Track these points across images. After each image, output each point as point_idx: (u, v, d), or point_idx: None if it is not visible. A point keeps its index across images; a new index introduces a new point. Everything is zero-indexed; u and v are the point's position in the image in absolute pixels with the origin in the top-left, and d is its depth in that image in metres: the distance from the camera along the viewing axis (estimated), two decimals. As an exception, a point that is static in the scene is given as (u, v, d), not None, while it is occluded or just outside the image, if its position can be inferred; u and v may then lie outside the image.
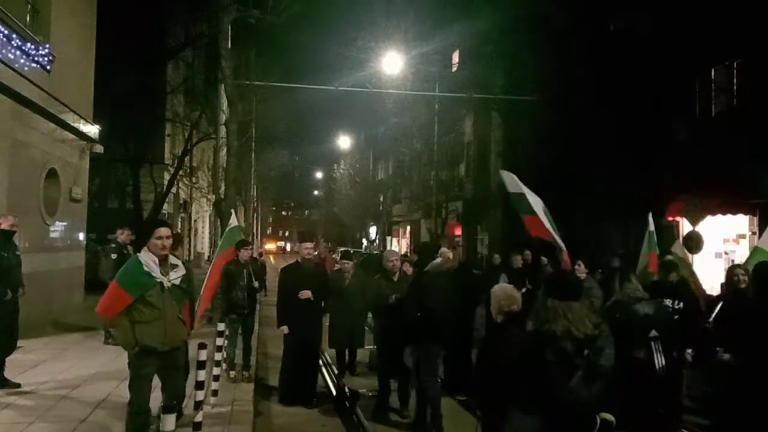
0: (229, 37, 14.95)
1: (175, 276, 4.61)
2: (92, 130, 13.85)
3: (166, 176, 21.89)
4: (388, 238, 38.55)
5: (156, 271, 4.46)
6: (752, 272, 5.51)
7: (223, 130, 17.39)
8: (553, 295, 3.33)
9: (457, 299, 7.76)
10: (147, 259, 4.48)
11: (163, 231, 4.56)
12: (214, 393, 6.47)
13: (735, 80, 12.29)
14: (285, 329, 7.08)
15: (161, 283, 4.47)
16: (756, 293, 5.28)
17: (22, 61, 10.11)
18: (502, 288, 3.84)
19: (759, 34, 11.03)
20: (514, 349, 3.35)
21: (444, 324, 6.25)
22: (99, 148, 14.27)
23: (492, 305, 3.81)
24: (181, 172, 23.15)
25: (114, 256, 9.58)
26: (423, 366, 6.24)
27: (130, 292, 4.40)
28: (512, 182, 8.08)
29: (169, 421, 3.54)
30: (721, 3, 11.89)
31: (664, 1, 13.64)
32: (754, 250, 7.48)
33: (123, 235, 9.91)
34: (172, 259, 4.67)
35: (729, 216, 11.79)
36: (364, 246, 38.98)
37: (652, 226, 8.32)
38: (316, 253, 8.19)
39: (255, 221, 40.09)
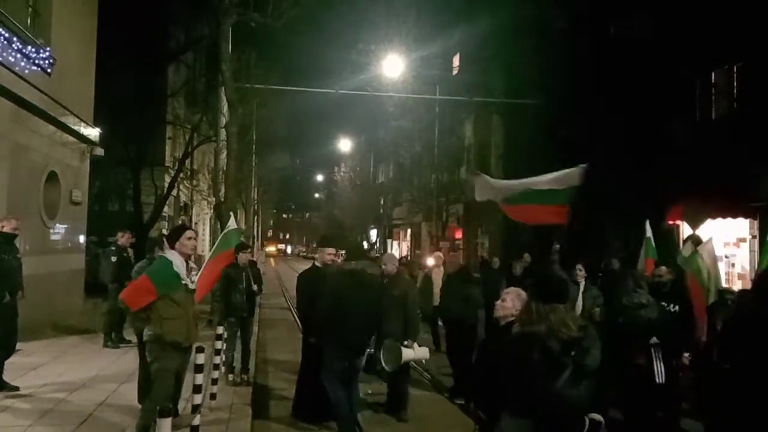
0: (230, 40, 14.97)
1: (194, 278, 4.98)
2: (93, 132, 13.87)
3: (167, 179, 21.87)
4: (389, 241, 38.53)
5: (183, 273, 4.78)
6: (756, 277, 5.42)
7: (223, 133, 17.41)
8: (537, 297, 3.32)
9: (460, 303, 7.79)
10: (176, 260, 4.80)
11: (191, 232, 5.01)
12: (213, 396, 6.47)
13: (735, 83, 12.28)
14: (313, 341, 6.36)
15: (186, 284, 4.80)
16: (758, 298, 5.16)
17: (22, 64, 10.12)
18: (517, 291, 3.85)
19: (759, 37, 11.02)
20: (512, 350, 3.34)
21: (343, 326, 5.70)
22: (99, 151, 14.28)
23: (502, 306, 3.81)
24: (181, 175, 23.13)
25: (114, 258, 9.64)
26: (322, 366, 5.95)
27: (157, 287, 4.68)
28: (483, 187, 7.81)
29: (165, 425, 3.52)
30: (720, 6, 11.89)
31: (664, 5, 13.65)
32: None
33: (123, 238, 9.98)
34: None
35: (729, 219, 11.77)
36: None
37: (649, 233, 8.31)
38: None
39: (256, 224, 40.13)
